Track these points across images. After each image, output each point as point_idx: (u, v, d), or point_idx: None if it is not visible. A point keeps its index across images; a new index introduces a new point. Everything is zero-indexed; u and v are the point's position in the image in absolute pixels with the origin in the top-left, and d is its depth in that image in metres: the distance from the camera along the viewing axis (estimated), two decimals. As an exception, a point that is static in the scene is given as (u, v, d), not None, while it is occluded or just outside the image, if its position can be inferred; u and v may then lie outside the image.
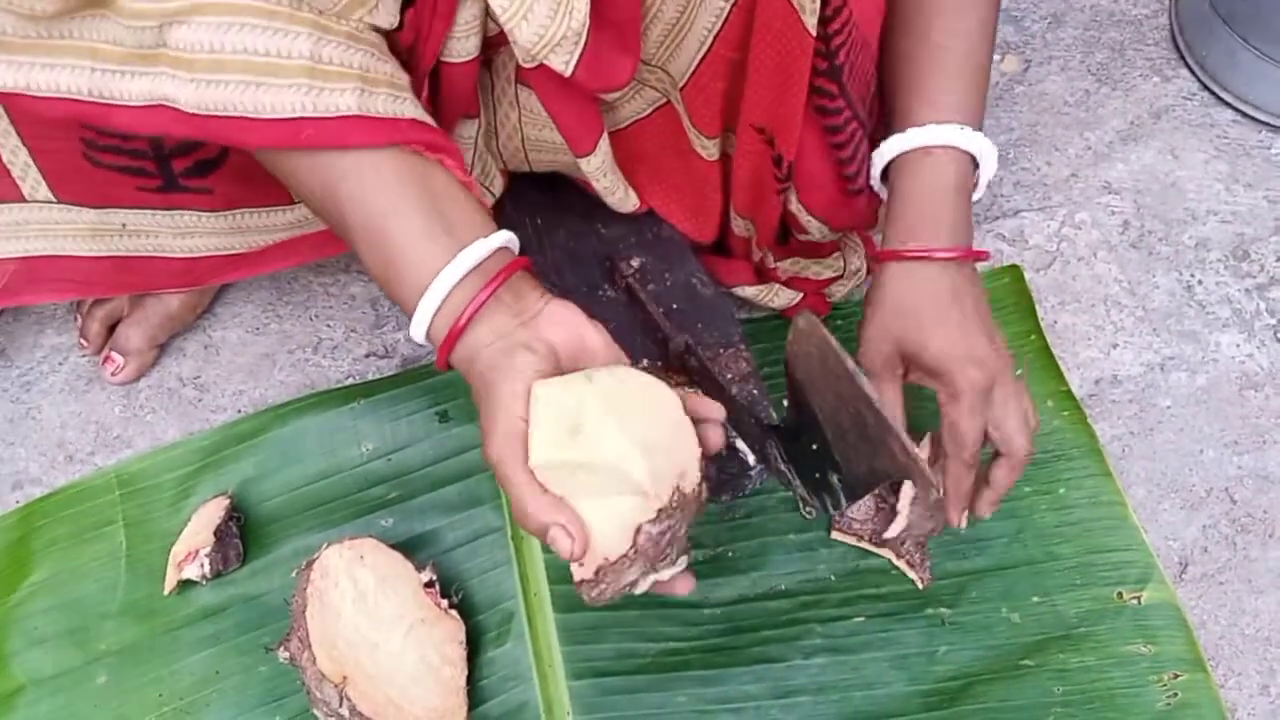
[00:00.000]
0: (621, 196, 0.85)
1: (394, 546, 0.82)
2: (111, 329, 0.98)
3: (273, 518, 0.88)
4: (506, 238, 0.62)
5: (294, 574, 0.81)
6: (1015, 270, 1.04)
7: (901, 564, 0.86)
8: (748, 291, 0.95)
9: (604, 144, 0.80)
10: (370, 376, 0.98)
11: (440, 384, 0.94)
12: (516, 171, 0.90)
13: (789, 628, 0.85)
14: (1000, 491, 0.75)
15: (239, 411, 0.97)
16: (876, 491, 0.86)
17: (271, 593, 0.85)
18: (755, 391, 0.86)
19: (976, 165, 0.75)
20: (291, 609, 0.78)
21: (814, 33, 0.68)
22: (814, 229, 0.86)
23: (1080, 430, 0.94)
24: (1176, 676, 0.83)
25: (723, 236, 0.92)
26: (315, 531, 0.87)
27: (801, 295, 0.95)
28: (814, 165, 0.79)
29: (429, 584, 0.81)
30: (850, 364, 0.59)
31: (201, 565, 0.83)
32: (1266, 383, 1.01)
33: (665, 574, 0.60)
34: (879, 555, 0.87)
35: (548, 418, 0.57)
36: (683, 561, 0.60)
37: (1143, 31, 1.25)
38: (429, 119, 0.63)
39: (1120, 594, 0.86)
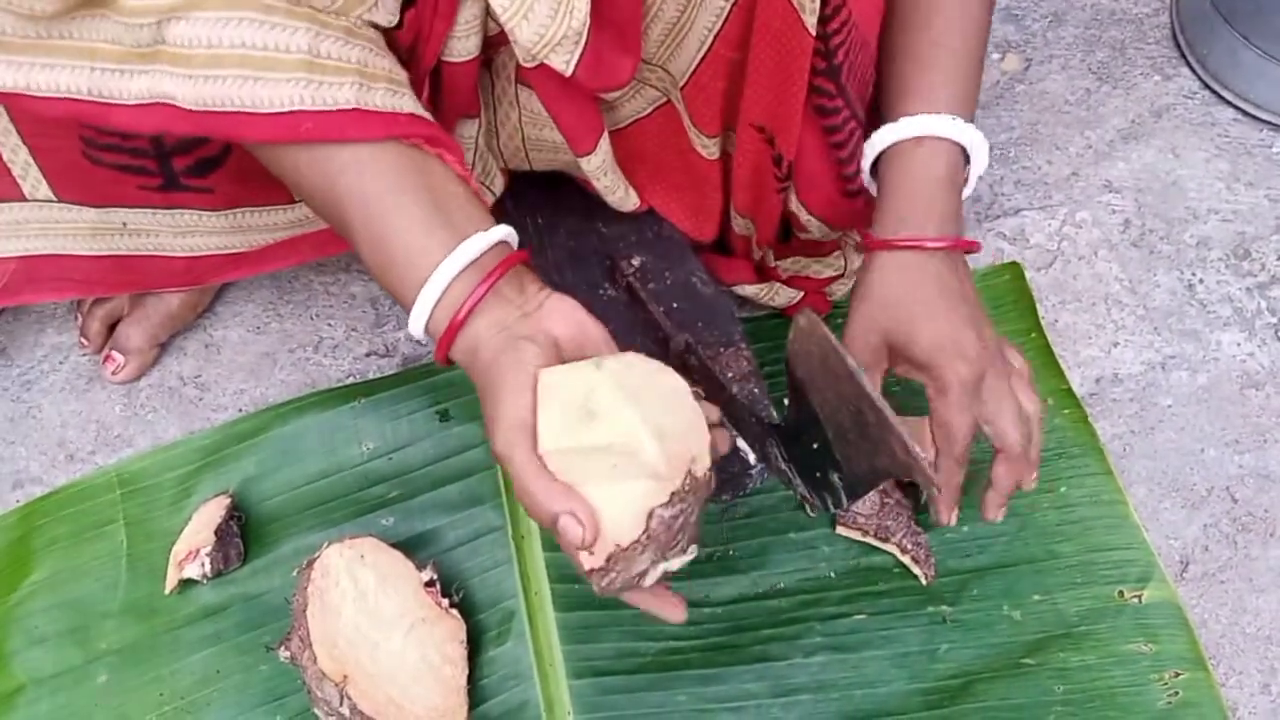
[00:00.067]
0: (622, 196, 0.85)
1: (395, 545, 0.82)
2: (112, 328, 0.98)
3: (273, 517, 0.88)
4: (506, 232, 0.62)
5: (295, 573, 0.81)
6: (1016, 268, 1.04)
7: (906, 559, 0.86)
8: (748, 290, 0.95)
9: (604, 143, 0.80)
10: (371, 375, 0.98)
11: (441, 383, 0.94)
12: (517, 171, 0.90)
13: (789, 626, 0.85)
14: (1003, 490, 0.72)
15: (240, 410, 0.97)
16: (880, 487, 0.86)
17: (272, 592, 0.85)
18: (756, 390, 0.86)
19: (968, 161, 0.74)
20: (292, 608, 0.77)
21: (813, 32, 0.68)
22: (814, 228, 0.86)
23: (1081, 429, 0.94)
24: (1177, 675, 0.83)
25: (723, 235, 0.92)
26: (316, 530, 0.87)
27: (802, 294, 0.95)
28: (813, 165, 0.79)
29: (429, 583, 0.81)
30: (851, 363, 0.59)
31: (202, 564, 0.83)
32: (1267, 381, 1.01)
33: (675, 563, 0.59)
34: (883, 550, 0.87)
35: (556, 403, 0.57)
36: (693, 550, 0.60)
37: (1144, 30, 1.24)
38: (427, 115, 0.63)
39: (1121, 592, 0.86)
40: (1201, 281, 1.07)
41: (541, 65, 0.68)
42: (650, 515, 0.56)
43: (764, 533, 0.88)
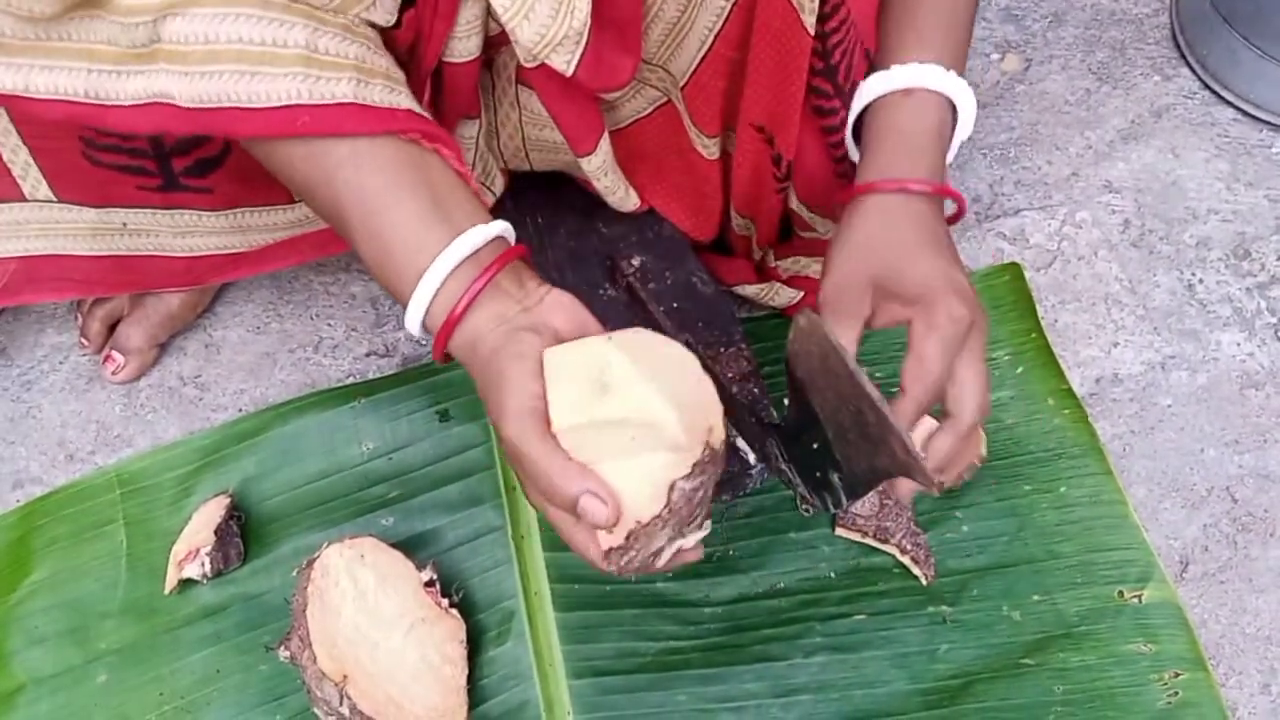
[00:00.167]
0: (622, 196, 0.85)
1: (394, 545, 0.82)
2: (112, 328, 0.98)
3: (273, 517, 0.88)
4: (503, 227, 0.62)
5: (294, 573, 0.81)
6: (1015, 268, 1.04)
7: (906, 560, 0.86)
8: (748, 290, 0.95)
9: (605, 143, 0.80)
10: (371, 375, 0.98)
11: (441, 383, 0.94)
12: (517, 171, 0.90)
13: (789, 626, 0.85)
14: (937, 461, 0.63)
15: (240, 410, 0.97)
16: (880, 488, 0.86)
17: (272, 592, 0.85)
18: (756, 390, 0.86)
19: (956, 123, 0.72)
20: (292, 608, 0.78)
21: (812, 32, 0.68)
22: (819, 225, 0.86)
23: (1081, 429, 0.94)
24: (1177, 675, 0.83)
25: (723, 235, 0.92)
26: (316, 530, 0.87)
27: (802, 294, 0.95)
28: (812, 164, 0.79)
29: (429, 583, 0.81)
30: (851, 363, 0.58)
31: (202, 564, 0.83)
32: (1267, 381, 1.01)
33: (690, 539, 0.58)
34: (883, 551, 0.87)
35: (567, 379, 0.56)
36: (708, 525, 0.59)
37: (1143, 30, 1.24)
38: (425, 113, 0.63)
39: (1121, 593, 0.86)
40: (1201, 281, 1.07)
41: (542, 65, 0.68)
42: (672, 488, 0.54)
43: (764, 533, 0.89)
